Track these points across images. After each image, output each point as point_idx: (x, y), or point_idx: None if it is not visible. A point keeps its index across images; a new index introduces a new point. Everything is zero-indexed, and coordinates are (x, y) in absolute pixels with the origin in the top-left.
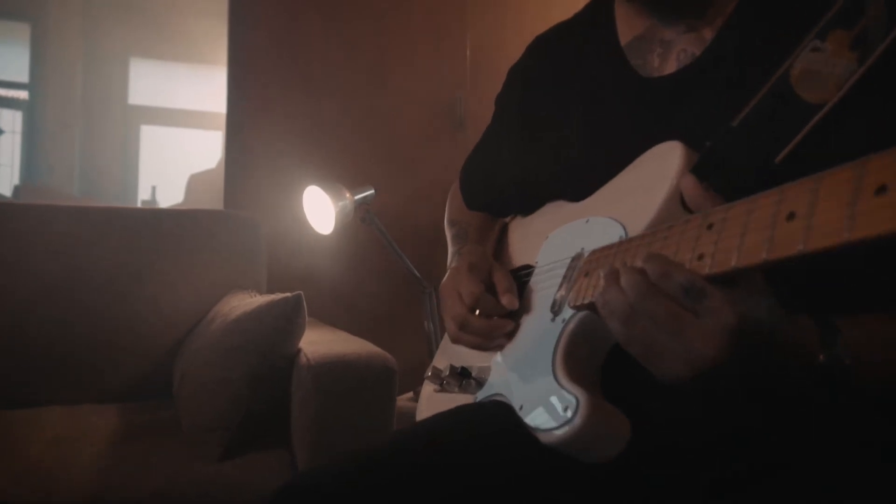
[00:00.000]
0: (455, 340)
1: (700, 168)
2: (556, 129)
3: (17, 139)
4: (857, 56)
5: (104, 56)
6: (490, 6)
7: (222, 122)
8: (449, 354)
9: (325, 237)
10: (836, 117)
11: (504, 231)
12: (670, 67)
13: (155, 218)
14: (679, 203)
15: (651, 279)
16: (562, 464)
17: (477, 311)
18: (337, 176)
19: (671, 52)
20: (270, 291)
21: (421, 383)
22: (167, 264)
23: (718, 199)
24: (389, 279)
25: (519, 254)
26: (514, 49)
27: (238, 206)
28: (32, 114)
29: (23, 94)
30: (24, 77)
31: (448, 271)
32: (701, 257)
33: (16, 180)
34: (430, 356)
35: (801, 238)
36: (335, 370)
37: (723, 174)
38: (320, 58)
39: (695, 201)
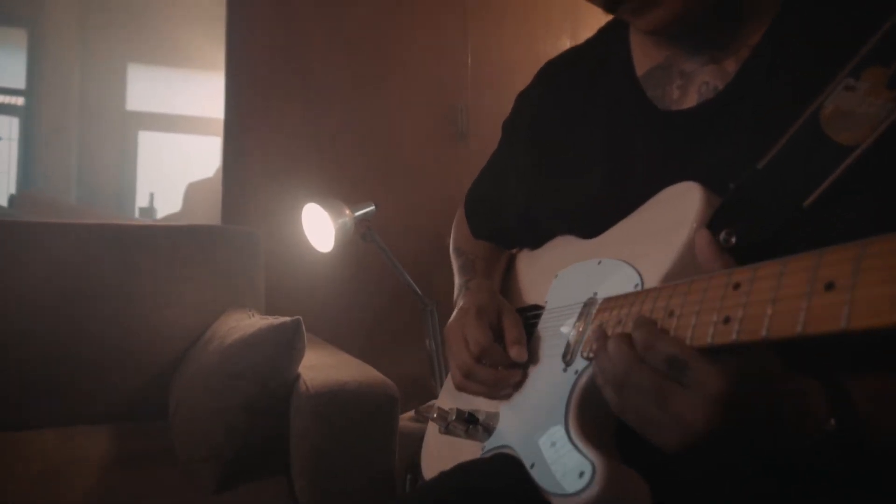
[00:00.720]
0: (460, 388)
1: (723, 212)
2: (568, 160)
3: (14, 146)
4: (895, 96)
5: (101, 62)
6: (490, 19)
7: (220, 127)
8: (454, 395)
9: (324, 254)
10: (870, 160)
11: (511, 263)
12: (690, 101)
13: (150, 234)
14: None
15: (637, 348)
16: None
17: (483, 361)
18: (336, 189)
19: (692, 85)
20: (269, 309)
21: (422, 402)
22: (163, 281)
23: (731, 262)
24: (390, 296)
25: (527, 291)
26: (514, 62)
27: (236, 219)
28: (29, 120)
29: (19, 101)
30: (20, 83)
31: (455, 310)
32: (727, 321)
33: (12, 187)
34: (432, 374)
35: (843, 313)
36: (335, 399)
37: (747, 219)
38: (320, 68)
39: (706, 261)
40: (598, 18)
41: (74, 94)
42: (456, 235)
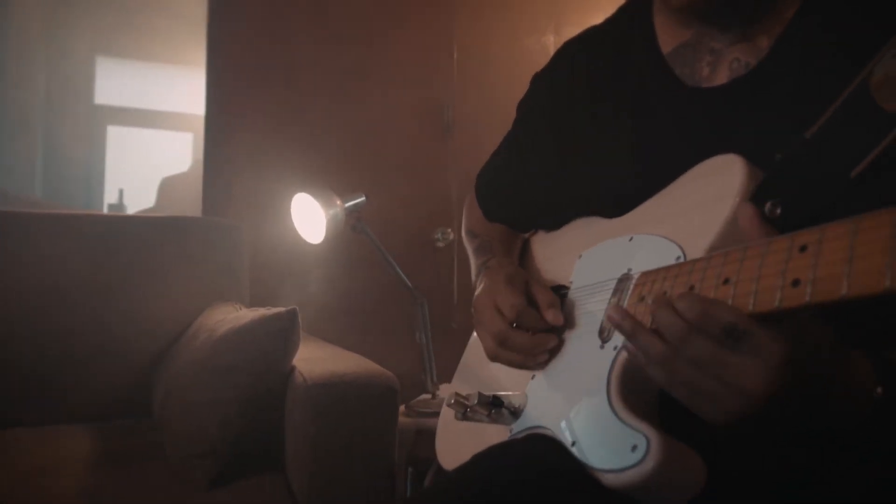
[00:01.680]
0: (493, 357)
1: (768, 183)
2: (594, 140)
3: None
4: None
5: (69, 54)
6: (476, 16)
7: (194, 123)
8: (470, 379)
9: (311, 246)
10: None
11: (525, 247)
12: (722, 78)
13: (130, 225)
14: None
15: (688, 319)
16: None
17: (516, 327)
18: (323, 183)
19: (723, 62)
20: (253, 303)
21: (413, 397)
22: (143, 274)
23: (773, 231)
24: (379, 290)
25: (547, 272)
26: (499, 59)
27: (217, 212)
28: None
29: None
30: None
31: (481, 286)
32: (796, 283)
33: None
34: (424, 369)
35: None
36: (334, 391)
37: (792, 190)
38: (304, 61)
39: (751, 233)
40: (581, 16)
41: (40, 87)
42: (468, 219)
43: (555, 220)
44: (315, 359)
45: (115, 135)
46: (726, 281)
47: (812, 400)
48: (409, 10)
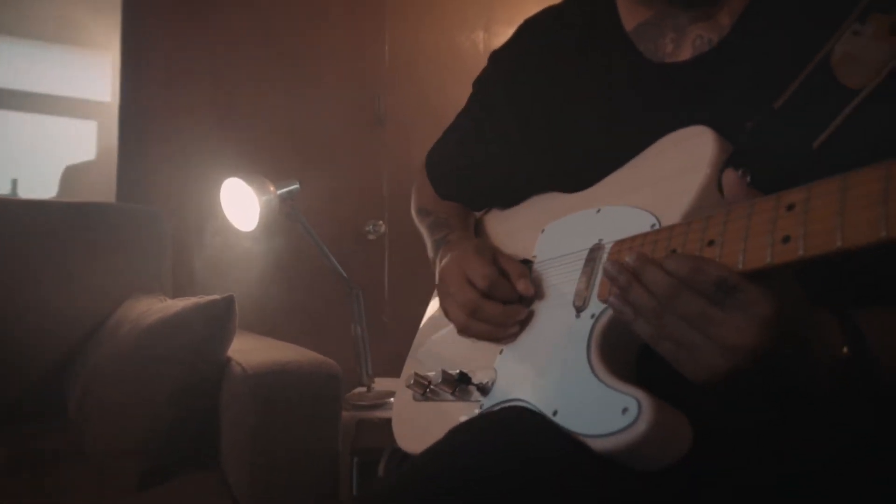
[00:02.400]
0: (464, 329)
1: (738, 152)
2: (556, 116)
3: None
4: None
5: None
6: (409, 8)
7: (99, 110)
8: (428, 359)
9: (240, 235)
10: (874, 103)
11: (478, 226)
12: (685, 54)
13: (40, 211)
14: (716, 191)
15: (678, 276)
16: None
17: (487, 297)
18: (251, 170)
19: (686, 38)
20: (177, 294)
21: (348, 389)
22: (52, 264)
23: (758, 195)
24: (310, 281)
25: (507, 248)
26: (431, 52)
27: (135, 199)
28: None
29: None
30: None
31: (447, 256)
32: (787, 240)
33: None
34: (359, 362)
35: None
36: (276, 380)
37: (761, 159)
38: (232, 46)
39: (736, 197)
40: (512, 15)
41: None
42: (419, 198)
43: (512, 197)
44: (250, 349)
45: (8, 121)
46: (711, 242)
47: (791, 357)
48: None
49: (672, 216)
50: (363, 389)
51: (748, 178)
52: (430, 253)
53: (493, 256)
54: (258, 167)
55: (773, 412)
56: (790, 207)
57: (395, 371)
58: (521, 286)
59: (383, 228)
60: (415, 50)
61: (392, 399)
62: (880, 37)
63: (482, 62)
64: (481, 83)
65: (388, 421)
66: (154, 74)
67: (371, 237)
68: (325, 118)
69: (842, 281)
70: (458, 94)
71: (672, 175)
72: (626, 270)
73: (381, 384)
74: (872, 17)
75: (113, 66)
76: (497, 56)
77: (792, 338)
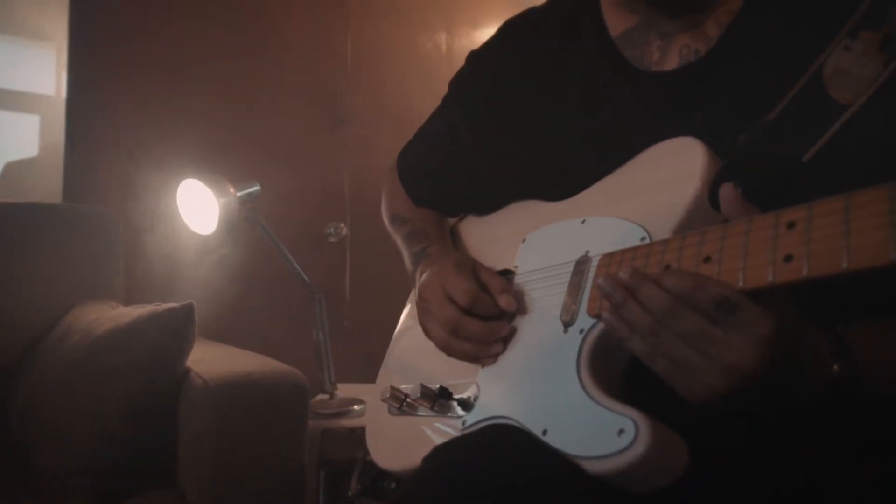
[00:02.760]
0: (445, 348)
1: (730, 165)
2: (538, 121)
3: None
4: (886, 57)
5: None
6: (371, 8)
7: (42, 104)
8: (402, 372)
9: (195, 238)
10: (863, 119)
11: (453, 233)
12: (672, 63)
13: None
14: (707, 205)
15: (677, 293)
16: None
17: (469, 314)
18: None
19: (672, 47)
20: (130, 301)
21: (311, 397)
22: None
23: (755, 211)
24: (269, 285)
25: (485, 258)
26: (393, 52)
27: (83, 200)
28: None
29: None
30: None
31: (427, 272)
32: (789, 258)
33: None
34: (321, 368)
35: None
36: (239, 392)
37: (751, 172)
38: (188, 41)
39: (733, 211)
40: (474, 16)
41: None
42: (392, 203)
43: (488, 204)
44: (209, 359)
45: None
46: (707, 259)
47: (788, 377)
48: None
49: (662, 230)
50: (326, 397)
51: (739, 191)
52: (408, 265)
53: (474, 271)
54: (215, 167)
55: (766, 430)
56: (791, 225)
57: (357, 377)
58: (504, 302)
59: (345, 231)
60: (377, 50)
61: (356, 406)
62: (869, 53)
63: (445, 64)
64: (458, 84)
65: (354, 431)
66: (104, 67)
67: (332, 240)
68: (285, 117)
69: (827, 298)
70: (420, 96)
71: (661, 187)
72: (621, 286)
73: (343, 391)
74: (862, 34)
75: (58, 57)
76: (476, 56)
77: (791, 358)
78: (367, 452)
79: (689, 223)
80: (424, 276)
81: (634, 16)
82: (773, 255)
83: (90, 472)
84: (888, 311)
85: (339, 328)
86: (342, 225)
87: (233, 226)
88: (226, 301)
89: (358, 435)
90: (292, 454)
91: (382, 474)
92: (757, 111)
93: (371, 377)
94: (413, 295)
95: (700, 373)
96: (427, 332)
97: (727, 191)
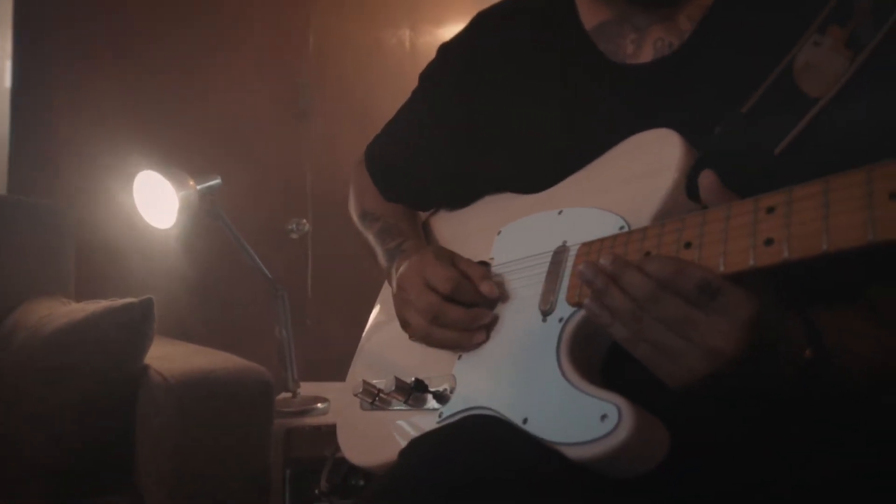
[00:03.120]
0: (425, 337)
1: (707, 155)
2: (512, 114)
3: None
4: (851, 54)
5: None
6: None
7: None
8: (377, 367)
9: (150, 233)
10: (832, 112)
11: (425, 228)
12: (646, 56)
13: None
14: (684, 195)
15: (659, 278)
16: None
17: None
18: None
19: (647, 40)
20: (81, 297)
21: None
22: None
23: (735, 198)
24: (229, 281)
25: (459, 252)
26: (356, 45)
27: (30, 192)
28: None
29: None
30: None
31: (405, 264)
32: (769, 242)
33: None
34: (284, 366)
35: None
36: (203, 389)
37: (726, 162)
38: (143, 30)
39: (715, 199)
40: (438, 13)
41: None
42: (361, 199)
43: (463, 197)
44: (169, 356)
45: None
46: (688, 245)
47: (764, 361)
48: None
49: (641, 219)
50: (289, 395)
51: (718, 179)
52: (382, 262)
53: (452, 260)
54: (172, 160)
55: (743, 416)
56: (770, 210)
57: (319, 375)
58: (486, 288)
59: (307, 227)
60: (340, 44)
61: (320, 405)
62: (837, 48)
63: (408, 60)
64: (429, 77)
65: (319, 429)
66: (52, 56)
67: (293, 236)
68: (246, 110)
69: (798, 284)
70: (383, 91)
71: (638, 178)
72: (602, 273)
73: (305, 389)
74: (831, 29)
75: (2, 45)
76: (447, 49)
77: (772, 341)
78: (336, 450)
79: (667, 213)
80: (403, 267)
81: (608, 9)
82: (754, 239)
83: (41, 474)
84: (851, 296)
85: (300, 326)
86: (304, 221)
87: (192, 220)
88: (182, 298)
89: (323, 433)
90: (257, 453)
91: (353, 471)
92: (731, 104)
93: (333, 375)
94: (384, 292)
95: (682, 357)
96: (405, 324)
97: (707, 177)
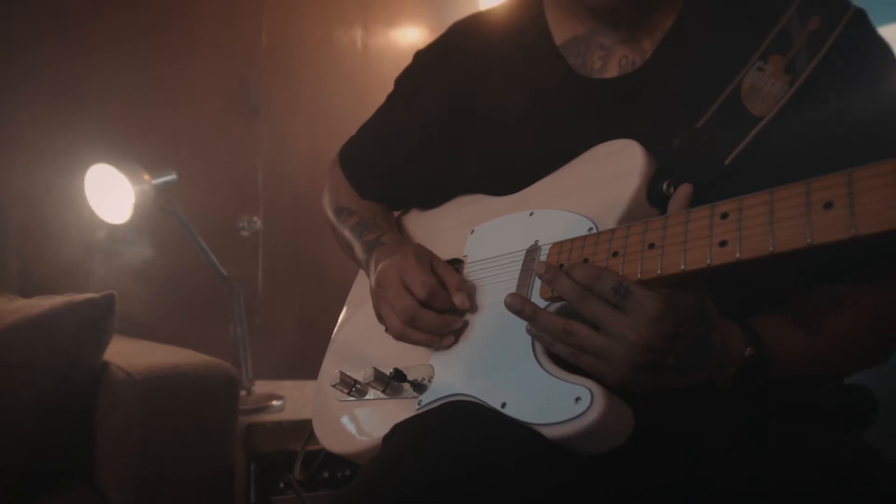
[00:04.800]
0: (400, 336)
1: (666, 165)
2: (485, 119)
3: None
4: (789, 79)
5: None
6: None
7: None
8: (352, 358)
9: (99, 227)
10: (773, 130)
11: (398, 225)
12: (612, 71)
13: None
14: (645, 200)
15: (582, 283)
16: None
17: (425, 306)
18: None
19: (612, 57)
20: (26, 294)
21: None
22: None
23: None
24: (179, 278)
25: (432, 248)
26: (308, 44)
27: None
28: None
29: None
30: None
31: (385, 259)
32: (724, 243)
33: None
34: (238, 364)
35: (850, 224)
36: (168, 385)
37: (682, 172)
38: (84, 14)
39: (678, 207)
40: (389, 14)
41: None
42: (336, 196)
43: (436, 197)
44: (128, 353)
45: None
46: (651, 245)
47: (696, 354)
48: None
49: (607, 222)
50: (243, 393)
51: (672, 189)
52: (360, 254)
53: (432, 264)
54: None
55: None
56: (724, 216)
57: (269, 373)
58: (458, 300)
59: (258, 224)
60: (292, 42)
61: (275, 402)
62: (777, 74)
63: (360, 60)
64: (405, 81)
65: (281, 424)
66: None
67: (244, 233)
68: (195, 104)
69: (740, 293)
70: (335, 90)
71: (604, 183)
72: (527, 302)
73: (258, 387)
74: (772, 58)
75: None
76: (423, 56)
77: (698, 339)
78: (307, 442)
79: (631, 216)
80: (383, 263)
81: (578, 26)
82: (710, 241)
83: (1, 474)
84: (780, 305)
85: (251, 324)
86: (255, 218)
87: (145, 215)
88: (133, 295)
89: (285, 428)
90: (222, 447)
91: (327, 461)
92: (686, 119)
93: (284, 374)
94: (358, 286)
95: (609, 353)
96: (382, 319)
97: (683, 189)
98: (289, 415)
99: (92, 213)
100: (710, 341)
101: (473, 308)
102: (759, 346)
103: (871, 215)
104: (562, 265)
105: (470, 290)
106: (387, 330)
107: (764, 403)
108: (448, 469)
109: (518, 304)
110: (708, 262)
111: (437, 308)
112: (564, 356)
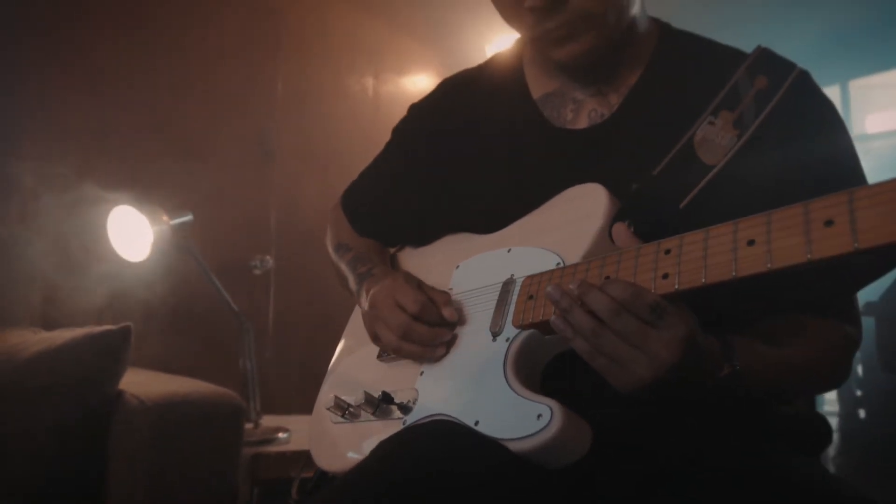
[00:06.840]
0: (396, 350)
1: (625, 207)
2: (470, 166)
3: None
4: (738, 133)
5: None
6: (303, 50)
7: None
8: (346, 384)
9: (119, 267)
10: (722, 178)
11: (393, 261)
12: (582, 122)
13: None
14: (607, 237)
15: (620, 298)
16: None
17: (416, 321)
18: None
19: (583, 110)
20: (48, 327)
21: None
22: None
23: (639, 242)
24: (192, 314)
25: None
26: (322, 94)
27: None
28: None
29: None
30: None
31: (377, 285)
32: (665, 276)
33: None
34: (247, 398)
35: (766, 259)
36: (177, 412)
37: (641, 214)
38: (112, 59)
39: (624, 243)
40: (401, 64)
41: None
42: (336, 234)
43: (427, 236)
44: (142, 382)
45: None
46: (607, 278)
47: (691, 370)
48: (234, 22)
49: (573, 256)
50: (251, 426)
51: (632, 229)
52: (353, 285)
53: (420, 285)
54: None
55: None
56: (667, 252)
57: (276, 408)
58: (447, 313)
59: (270, 263)
60: (307, 90)
61: (281, 434)
62: (727, 128)
63: (371, 107)
64: (401, 132)
65: (284, 454)
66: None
67: (257, 272)
68: (214, 150)
69: (720, 310)
70: (346, 135)
71: (571, 223)
72: (568, 294)
73: (269, 421)
74: (722, 113)
75: None
76: (417, 109)
77: (698, 355)
78: (304, 467)
79: (594, 251)
80: (375, 288)
81: (553, 82)
82: (655, 274)
83: (16, 494)
84: (749, 325)
85: (261, 360)
86: (268, 257)
87: (162, 253)
88: (148, 329)
89: (289, 458)
90: (227, 474)
91: (322, 481)
92: (646, 166)
93: (291, 409)
94: (352, 322)
95: (632, 364)
96: (377, 338)
97: (619, 227)
98: (294, 446)
99: (113, 252)
100: (706, 355)
101: (459, 325)
102: (736, 362)
103: (782, 251)
104: (531, 296)
105: (457, 306)
106: (382, 348)
107: (725, 421)
108: (416, 470)
109: (557, 295)
110: (653, 292)
111: (429, 322)
112: (579, 351)
